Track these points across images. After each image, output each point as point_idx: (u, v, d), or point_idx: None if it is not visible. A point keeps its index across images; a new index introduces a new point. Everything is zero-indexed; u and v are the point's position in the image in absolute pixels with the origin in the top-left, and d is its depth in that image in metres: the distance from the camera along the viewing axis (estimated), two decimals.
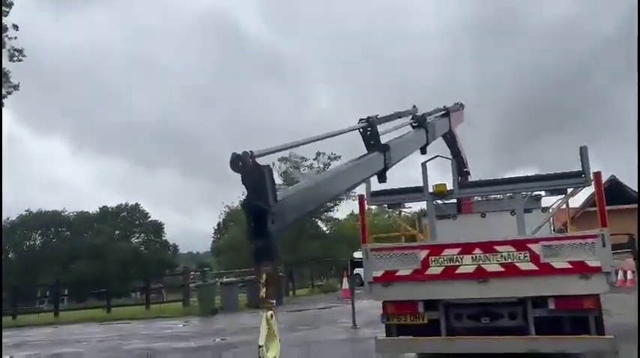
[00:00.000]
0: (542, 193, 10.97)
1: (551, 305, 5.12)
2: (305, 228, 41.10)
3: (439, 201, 9.61)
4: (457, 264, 5.38)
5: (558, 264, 5.04)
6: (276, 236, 2.35)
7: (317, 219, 47.23)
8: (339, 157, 39.29)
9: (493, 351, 5.28)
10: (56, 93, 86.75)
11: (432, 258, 5.48)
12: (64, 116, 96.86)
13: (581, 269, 4.97)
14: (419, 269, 5.51)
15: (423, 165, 6.06)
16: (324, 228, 47.46)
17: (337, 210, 42.59)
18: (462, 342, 5.37)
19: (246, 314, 16.41)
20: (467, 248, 5.38)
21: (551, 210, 8.23)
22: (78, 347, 11.32)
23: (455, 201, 9.19)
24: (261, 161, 2.43)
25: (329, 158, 39.44)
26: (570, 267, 5.01)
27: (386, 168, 4.09)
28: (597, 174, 5.20)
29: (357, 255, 13.68)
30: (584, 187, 5.65)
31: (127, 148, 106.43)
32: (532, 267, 5.13)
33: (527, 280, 5.14)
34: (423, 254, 5.53)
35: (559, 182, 5.80)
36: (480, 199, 10.07)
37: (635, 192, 20.36)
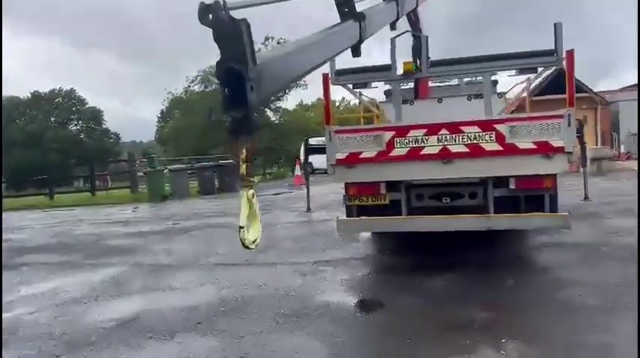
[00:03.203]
0: (497, 79, 10.95)
1: (512, 185, 5.20)
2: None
3: (402, 86, 9.41)
4: (422, 145, 5.29)
5: (523, 144, 5.04)
6: (255, 106, 2.04)
7: (265, 109, 46.47)
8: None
9: (451, 229, 5.40)
10: None
11: (397, 139, 5.36)
12: None
13: (544, 149, 4.99)
14: (383, 150, 5.39)
15: (392, 41, 5.69)
16: (273, 118, 46.93)
17: (287, 99, 41.84)
18: (421, 221, 5.44)
19: (197, 200, 16.38)
20: (433, 129, 5.27)
21: (509, 95, 8.22)
22: (23, 233, 10.99)
23: (412, 86, 9.00)
24: (236, 15, 2.03)
25: (278, 42, 37.80)
26: (534, 147, 5.02)
27: (361, 41, 3.75)
28: (570, 53, 5.04)
29: (313, 141, 13.55)
30: (555, 66, 5.52)
31: (58, 26, 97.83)
32: (497, 147, 5.11)
33: (491, 160, 5.14)
34: (388, 135, 5.39)
35: (530, 61, 5.63)
36: (437, 85, 9.94)
37: (584, 85, 20.91)
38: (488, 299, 4.50)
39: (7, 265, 7.37)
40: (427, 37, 5.62)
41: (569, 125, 4.95)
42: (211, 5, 1.91)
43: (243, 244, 2.14)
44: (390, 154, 5.38)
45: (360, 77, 6.19)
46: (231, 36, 1.92)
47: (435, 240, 6.09)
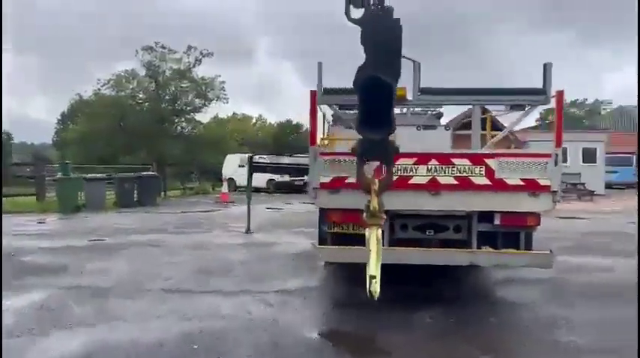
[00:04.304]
0: (442, 111, 11.14)
1: (497, 221, 5.16)
2: (165, 128, 38.47)
3: (347, 111, 9.25)
4: (411, 174, 5.10)
5: (511, 180, 5.03)
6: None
7: (182, 119, 44.70)
8: (212, 54, 36.71)
9: (435, 263, 5.24)
10: None
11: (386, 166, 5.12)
12: None
13: (531, 187, 5.01)
14: None
15: None
16: (186, 130, 45.03)
17: (206, 112, 40.30)
18: (404, 253, 5.20)
19: (114, 213, 15.07)
20: (422, 158, 5.11)
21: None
22: None
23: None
24: None
25: (201, 53, 36.49)
26: (522, 184, 5.02)
27: None
28: (560, 93, 5.14)
29: (258, 158, 13.03)
30: (542, 104, 5.61)
31: None
32: (486, 181, 5.05)
33: (479, 195, 5.07)
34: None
35: (520, 97, 5.68)
36: None
37: (498, 121, 22.36)
38: (480, 339, 4.34)
39: None
40: (420, 63, 5.49)
41: (555, 164, 5.01)
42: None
43: (371, 295, 1.76)
44: None
45: (348, 98, 5.90)
46: (384, 39, 1.54)
47: (392, 269, 5.87)
